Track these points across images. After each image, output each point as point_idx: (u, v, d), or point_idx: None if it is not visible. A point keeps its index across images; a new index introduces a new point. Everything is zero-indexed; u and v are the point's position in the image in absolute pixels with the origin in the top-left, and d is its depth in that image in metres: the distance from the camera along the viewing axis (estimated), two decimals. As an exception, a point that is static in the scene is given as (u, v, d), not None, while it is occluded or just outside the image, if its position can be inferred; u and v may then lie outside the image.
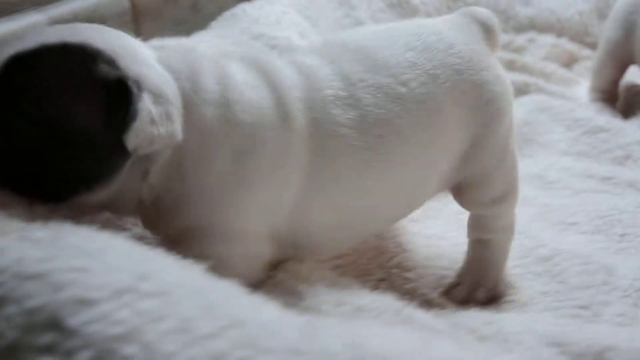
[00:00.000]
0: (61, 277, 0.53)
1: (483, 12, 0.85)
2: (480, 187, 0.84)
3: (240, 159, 0.70)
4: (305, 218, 0.75)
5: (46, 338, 0.51)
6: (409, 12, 1.47)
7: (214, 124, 0.69)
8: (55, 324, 0.51)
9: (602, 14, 1.55)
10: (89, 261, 0.55)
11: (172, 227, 0.71)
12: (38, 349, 0.50)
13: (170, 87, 0.67)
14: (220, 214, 0.70)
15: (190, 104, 0.68)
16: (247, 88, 0.71)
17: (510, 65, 1.45)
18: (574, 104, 1.33)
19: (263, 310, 0.55)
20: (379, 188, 0.77)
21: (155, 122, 0.64)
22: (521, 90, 1.39)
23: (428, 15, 1.50)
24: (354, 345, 0.49)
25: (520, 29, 1.55)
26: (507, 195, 0.86)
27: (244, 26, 1.16)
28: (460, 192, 0.85)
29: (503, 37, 1.53)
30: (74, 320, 0.51)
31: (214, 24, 1.19)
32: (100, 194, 0.67)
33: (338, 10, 1.39)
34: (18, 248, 0.57)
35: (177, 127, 0.66)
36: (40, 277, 0.54)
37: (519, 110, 1.29)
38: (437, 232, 0.99)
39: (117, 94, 0.64)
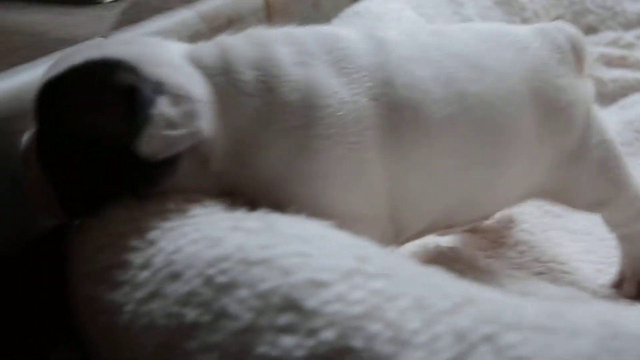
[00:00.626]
0: (287, 262, 0.54)
1: (573, 31, 0.83)
2: (571, 193, 0.82)
3: (297, 133, 0.69)
4: (404, 189, 0.73)
5: (285, 318, 0.51)
6: (517, 10, 1.46)
7: (257, 111, 0.69)
8: (292, 306, 0.51)
9: None
10: (307, 247, 0.56)
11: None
12: (279, 329, 0.51)
13: (197, 85, 0.67)
14: (298, 189, 0.70)
15: (228, 97, 0.69)
16: (293, 66, 0.70)
17: (622, 62, 1.42)
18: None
19: (484, 290, 0.54)
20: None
21: (174, 124, 0.64)
22: (634, 88, 1.36)
23: (535, 14, 1.48)
24: (607, 323, 0.48)
25: (628, 25, 1.52)
26: (612, 196, 0.83)
27: (368, 23, 1.16)
28: (558, 197, 0.83)
29: (610, 34, 1.51)
30: (311, 301, 0.51)
31: (336, 21, 1.20)
32: (166, 187, 0.68)
33: (447, 8, 1.38)
34: (235, 237, 0.57)
35: (203, 125, 0.66)
36: (266, 262, 0.54)
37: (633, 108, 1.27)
38: (582, 227, 0.98)
39: (132, 101, 0.64)
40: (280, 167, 0.69)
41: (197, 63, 0.69)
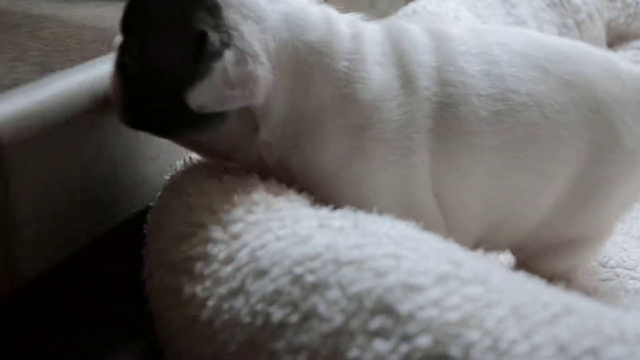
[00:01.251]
0: (379, 263, 0.53)
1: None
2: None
3: (358, 134, 0.68)
4: (445, 192, 0.72)
5: (378, 322, 0.50)
6: (570, 11, 1.44)
7: (331, 101, 0.68)
8: (386, 309, 0.51)
9: None
10: (399, 248, 0.55)
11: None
12: (372, 333, 0.50)
13: (273, 49, 0.66)
14: (346, 190, 0.69)
15: (309, 76, 0.68)
16: (375, 65, 0.70)
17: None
18: None
19: (580, 300, 0.53)
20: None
21: (232, 83, 0.63)
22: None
23: (589, 15, 1.46)
24: None
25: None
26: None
27: (427, 22, 1.15)
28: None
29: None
30: (406, 305, 0.50)
31: (393, 19, 1.19)
32: (209, 138, 0.68)
33: (500, 8, 1.37)
34: (324, 235, 0.57)
35: (259, 91, 0.64)
36: (358, 263, 0.53)
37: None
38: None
39: (200, 47, 0.63)
40: (336, 163, 0.69)
41: (299, 31, 0.68)
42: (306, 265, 0.55)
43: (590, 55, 0.77)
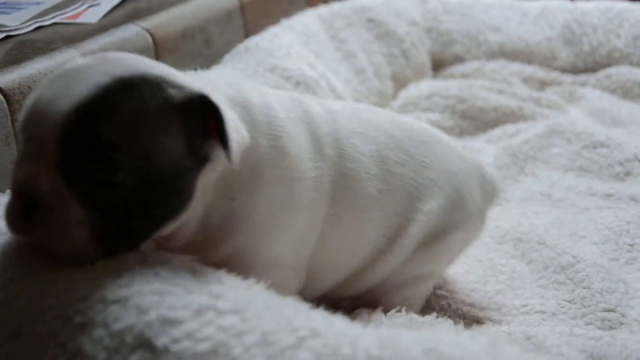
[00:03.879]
0: (143, 300, 0.56)
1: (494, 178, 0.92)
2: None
3: (290, 185, 0.73)
4: (323, 249, 0.78)
5: (137, 357, 0.53)
6: (396, 41, 1.53)
7: (266, 152, 0.71)
8: (144, 344, 0.54)
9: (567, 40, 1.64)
10: (164, 285, 0.58)
11: (216, 252, 0.71)
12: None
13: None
14: (267, 240, 0.73)
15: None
16: (288, 121, 0.74)
17: (501, 93, 1.50)
18: (574, 118, 1.39)
19: (335, 321, 0.58)
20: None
21: (239, 128, 0.66)
22: (515, 115, 1.44)
23: (412, 44, 1.56)
24: (431, 351, 0.52)
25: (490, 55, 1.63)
26: None
27: (259, 59, 1.19)
28: None
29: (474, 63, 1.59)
30: (162, 339, 0.54)
31: (227, 57, 1.23)
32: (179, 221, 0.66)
33: (331, 44, 1.43)
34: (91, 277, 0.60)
35: (245, 133, 0.66)
36: (123, 301, 0.57)
37: (525, 133, 1.34)
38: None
39: (192, 114, 0.63)
40: (264, 210, 0.72)
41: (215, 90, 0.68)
42: (75, 307, 0.57)
43: (438, 138, 0.87)
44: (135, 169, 0.61)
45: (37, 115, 0.61)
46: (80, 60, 0.66)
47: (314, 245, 0.77)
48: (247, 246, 0.72)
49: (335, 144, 0.77)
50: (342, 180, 0.77)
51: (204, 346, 0.53)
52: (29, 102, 0.63)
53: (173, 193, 0.64)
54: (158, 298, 0.57)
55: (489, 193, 0.90)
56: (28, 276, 0.62)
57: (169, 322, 0.55)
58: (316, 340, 0.53)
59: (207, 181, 0.67)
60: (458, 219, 0.84)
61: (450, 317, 0.85)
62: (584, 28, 1.62)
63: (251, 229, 0.72)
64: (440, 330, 0.73)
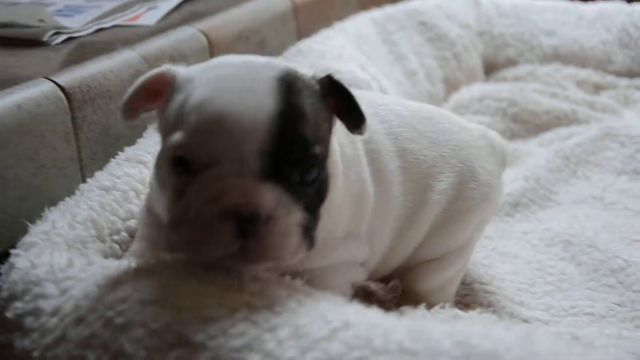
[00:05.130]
0: (179, 301, 0.59)
1: (505, 143, 0.93)
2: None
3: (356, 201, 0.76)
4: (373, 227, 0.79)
5: (175, 354, 0.55)
6: (448, 45, 1.53)
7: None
8: (183, 342, 0.56)
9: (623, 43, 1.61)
10: (202, 286, 0.60)
11: None
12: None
13: None
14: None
15: None
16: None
17: (554, 96, 1.49)
18: (628, 122, 1.37)
19: (368, 314, 0.59)
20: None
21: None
22: (569, 118, 1.43)
23: (464, 48, 1.56)
24: (462, 343, 0.52)
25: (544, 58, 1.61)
26: None
27: (311, 61, 1.21)
28: None
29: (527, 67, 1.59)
30: (198, 336, 0.55)
31: (280, 59, 1.25)
32: None
33: (383, 46, 1.45)
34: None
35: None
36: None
37: (578, 136, 1.33)
38: (511, 250, 1.03)
39: (326, 97, 0.66)
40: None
41: None
42: (116, 308, 0.59)
43: (445, 116, 0.88)
44: (324, 158, 0.65)
45: (226, 133, 0.60)
46: (219, 70, 0.65)
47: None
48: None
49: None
50: (370, 157, 0.78)
51: (237, 342, 0.55)
52: (198, 123, 0.61)
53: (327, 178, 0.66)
54: (194, 297, 0.59)
55: (500, 159, 0.90)
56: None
57: (205, 320, 0.56)
58: (349, 332, 0.54)
59: None
60: (471, 192, 0.84)
61: (497, 313, 0.85)
62: (642, 31, 1.59)
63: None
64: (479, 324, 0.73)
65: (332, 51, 1.26)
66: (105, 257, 0.75)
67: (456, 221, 0.84)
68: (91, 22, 1.13)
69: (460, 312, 0.76)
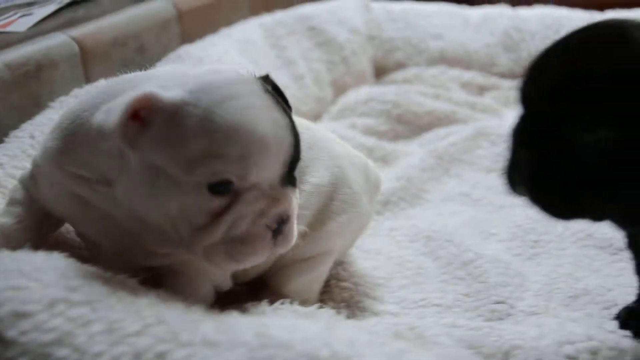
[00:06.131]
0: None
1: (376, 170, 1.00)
2: None
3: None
4: None
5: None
6: (336, 49, 1.58)
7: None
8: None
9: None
10: (24, 280, 0.62)
11: None
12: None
13: None
14: None
15: None
16: None
17: (437, 98, 1.54)
18: (504, 121, 1.42)
19: (190, 310, 0.61)
20: None
21: None
22: (449, 118, 1.48)
23: (353, 52, 1.60)
24: (262, 334, 0.55)
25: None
26: None
27: (188, 65, 1.23)
28: None
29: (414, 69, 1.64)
30: (11, 332, 0.57)
31: (159, 64, 1.26)
32: None
33: (270, 51, 1.48)
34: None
35: None
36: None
37: (453, 136, 1.38)
38: (375, 247, 1.06)
39: None
40: None
41: None
42: None
43: (331, 138, 0.95)
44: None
45: (271, 154, 0.68)
46: (222, 90, 0.69)
47: None
48: None
49: None
50: None
51: (48, 337, 0.56)
52: (244, 149, 0.67)
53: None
54: (13, 293, 0.60)
55: (373, 182, 0.96)
56: None
57: (20, 316, 0.58)
58: (160, 327, 0.57)
59: None
60: (344, 197, 0.89)
61: (351, 308, 0.89)
62: (523, 35, 1.66)
63: None
64: (319, 319, 0.76)
65: (212, 56, 1.28)
66: None
67: (331, 221, 0.88)
68: (-41, 29, 1.13)
69: (300, 308, 0.79)
